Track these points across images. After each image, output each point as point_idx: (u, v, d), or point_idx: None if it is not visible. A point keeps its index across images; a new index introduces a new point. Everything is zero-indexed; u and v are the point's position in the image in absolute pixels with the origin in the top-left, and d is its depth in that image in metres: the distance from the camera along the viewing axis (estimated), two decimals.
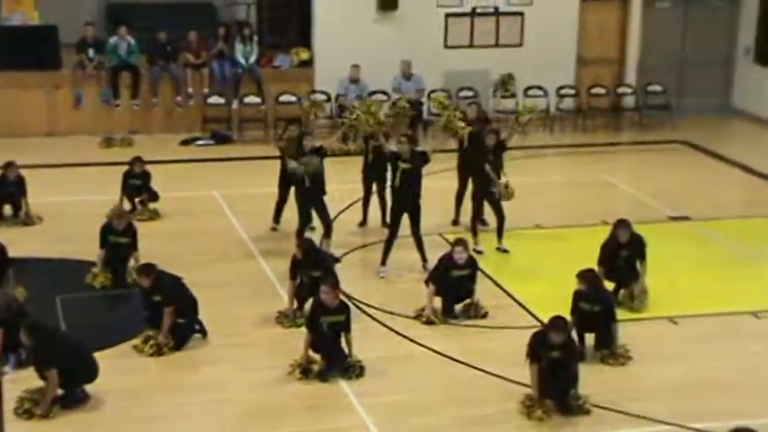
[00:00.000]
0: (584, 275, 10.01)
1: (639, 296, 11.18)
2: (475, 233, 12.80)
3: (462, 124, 12.61)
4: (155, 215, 13.81)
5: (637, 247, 11.21)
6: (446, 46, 18.92)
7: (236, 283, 11.78)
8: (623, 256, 11.18)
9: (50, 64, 17.74)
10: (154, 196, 13.93)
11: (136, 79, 17.94)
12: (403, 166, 11.82)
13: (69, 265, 12.07)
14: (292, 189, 12.76)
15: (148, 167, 14.02)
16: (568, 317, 9.85)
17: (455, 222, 13.63)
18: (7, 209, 13.57)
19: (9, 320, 9.47)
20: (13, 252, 11.27)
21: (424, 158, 11.98)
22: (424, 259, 12.05)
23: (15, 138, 17.13)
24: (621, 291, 11.29)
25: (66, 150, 16.90)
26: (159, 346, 10.03)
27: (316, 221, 12.56)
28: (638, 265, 11.25)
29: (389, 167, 12.06)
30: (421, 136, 17.58)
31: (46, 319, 10.14)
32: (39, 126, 17.69)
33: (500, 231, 12.78)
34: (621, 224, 11.23)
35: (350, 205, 13.89)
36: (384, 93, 18.22)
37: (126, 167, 13.90)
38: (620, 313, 10.54)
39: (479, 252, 12.46)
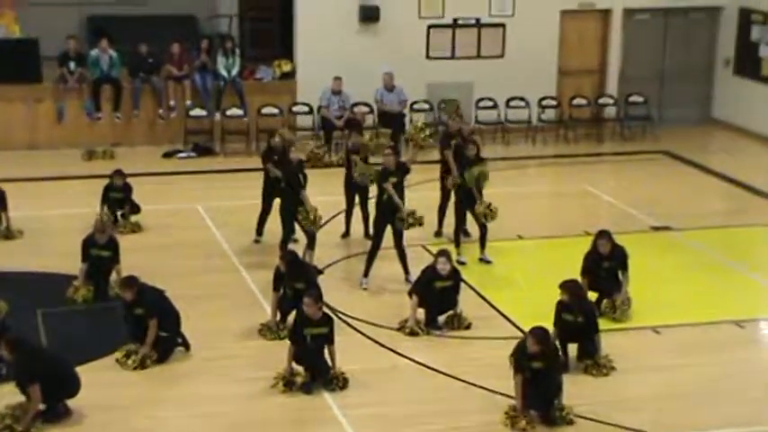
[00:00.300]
0: (567, 286, 10.03)
1: (622, 306, 11.20)
2: (458, 244, 12.81)
3: (425, 135, 12.57)
4: (137, 228, 13.75)
5: (619, 257, 11.24)
6: (428, 57, 18.95)
7: (219, 296, 11.74)
8: (605, 266, 11.21)
9: (32, 77, 17.67)
10: (136, 209, 13.88)
11: (117, 92, 17.89)
12: (392, 179, 11.85)
13: (50, 279, 12.00)
14: (275, 200, 12.80)
15: (130, 180, 13.96)
16: (551, 327, 9.85)
17: (438, 234, 13.63)
18: None
19: None
20: None
21: (405, 169, 12.04)
22: (407, 272, 12.03)
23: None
24: (604, 301, 11.31)
25: (48, 163, 16.83)
26: (142, 359, 9.97)
27: (299, 233, 12.53)
28: (620, 275, 11.28)
29: (377, 184, 12.07)
30: (403, 148, 17.59)
31: (27, 333, 10.08)
32: (20, 139, 17.61)
33: (483, 242, 12.79)
34: (602, 235, 11.25)
35: (333, 217, 13.87)
36: (366, 105, 18.26)
37: (108, 180, 13.84)
38: (603, 323, 10.55)
39: (462, 263, 12.47)
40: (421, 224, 12.04)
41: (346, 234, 13.65)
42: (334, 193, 13.76)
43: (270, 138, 13.56)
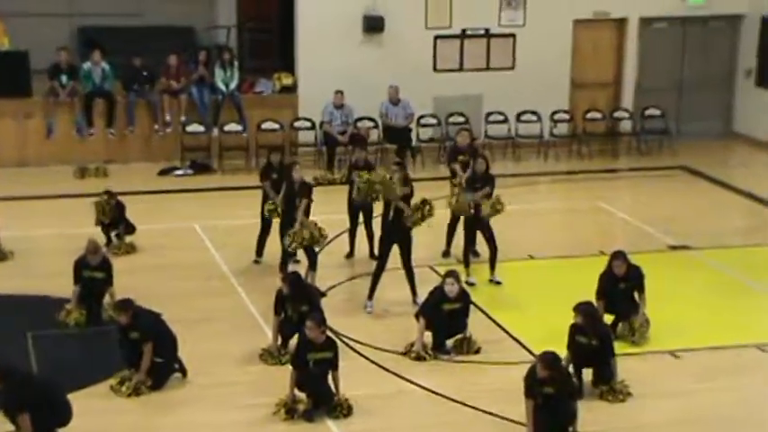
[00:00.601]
0: (581, 308, 10.10)
1: (639, 329, 11.27)
2: (467, 264, 12.89)
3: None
4: (131, 249, 13.84)
5: (635, 278, 11.30)
6: (435, 69, 19.07)
7: (218, 320, 11.82)
8: (621, 288, 11.27)
9: (21, 91, 17.76)
10: (130, 229, 13.97)
11: (111, 106, 18.02)
12: (397, 204, 11.91)
13: (41, 301, 12.08)
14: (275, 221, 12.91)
15: (124, 199, 14.05)
16: (565, 351, 9.92)
17: (446, 254, 13.71)
18: None
19: None
20: None
21: (407, 193, 12.03)
22: (414, 293, 12.11)
23: None
24: (620, 324, 11.38)
25: (39, 181, 16.93)
26: (137, 386, 10.04)
27: (301, 253, 12.62)
28: (637, 297, 11.34)
29: (383, 203, 12.17)
30: (410, 163, 17.69)
31: (17, 358, 10.16)
32: (9, 156, 17.71)
33: (493, 263, 12.87)
34: (617, 256, 11.32)
35: (336, 236, 13.96)
36: (371, 119, 18.36)
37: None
38: (620, 347, 10.61)
39: (471, 284, 12.55)
40: (431, 214, 12.01)
41: (350, 254, 13.74)
42: (337, 212, 13.85)
43: (269, 154, 13.69)
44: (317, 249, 12.33)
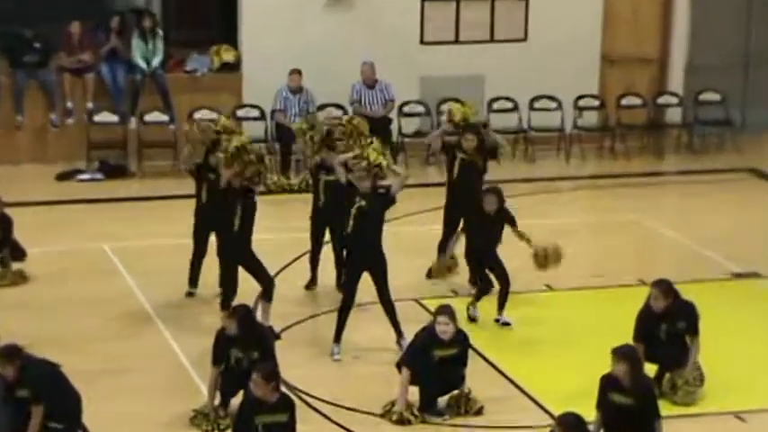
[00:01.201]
0: (622, 353, 10.09)
1: (684, 387, 11.27)
2: (478, 298, 12.93)
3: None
4: (20, 279, 13.80)
5: (684, 317, 11.32)
6: (423, 42, 19.13)
7: (136, 371, 11.79)
8: (664, 329, 11.30)
9: None
10: (18, 253, 13.93)
11: None
12: (360, 203, 11.95)
13: None
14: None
15: (9, 212, 14.03)
16: (594, 412, 9.95)
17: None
18: None
19: None
20: None
21: (386, 198, 12.09)
22: (399, 333, 12.14)
23: None
24: (666, 376, 11.42)
25: None
26: None
27: (250, 281, 12.60)
28: (688, 341, 11.37)
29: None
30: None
31: None
32: None
33: (502, 301, 12.89)
34: (657, 286, 11.34)
35: (293, 261, 13.96)
36: (339, 106, 18.39)
37: None
38: (666, 407, 10.64)
39: (473, 319, 12.58)
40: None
41: (312, 283, 13.74)
42: (294, 229, 13.85)
43: (205, 143, 13.44)
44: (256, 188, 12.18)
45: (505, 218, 12.93)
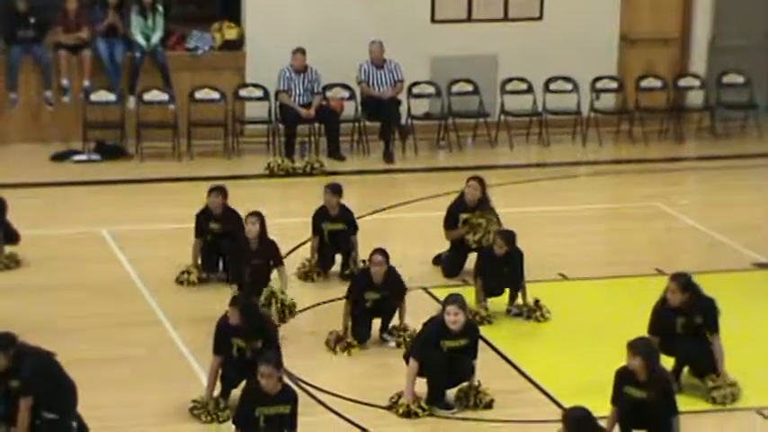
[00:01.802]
0: (638, 346, 10.12)
1: (722, 388, 11.28)
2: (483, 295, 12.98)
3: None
4: (13, 263, 13.84)
5: (701, 312, 11.28)
6: (433, 20, 19.13)
7: (133, 360, 11.82)
8: (681, 323, 11.28)
9: None
10: (11, 237, 13.96)
11: None
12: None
13: None
14: None
15: (2, 194, 14.05)
16: (608, 407, 9.98)
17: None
18: None
19: None
20: None
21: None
22: (401, 324, 12.25)
23: None
24: (685, 370, 11.44)
25: None
26: None
27: None
28: (708, 337, 11.32)
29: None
30: (398, 148, 17.77)
31: None
32: None
33: (514, 293, 12.95)
34: (674, 279, 11.32)
35: (297, 247, 14.00)
36: (345, 87, 18.40)
37: None
38: (685, 401, 10.66)
39: (487, 320, 12.62)
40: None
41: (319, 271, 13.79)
42: (296, 214, 13.87)
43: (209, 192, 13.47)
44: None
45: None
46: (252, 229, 12.49)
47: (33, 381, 10.08)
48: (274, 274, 12.55)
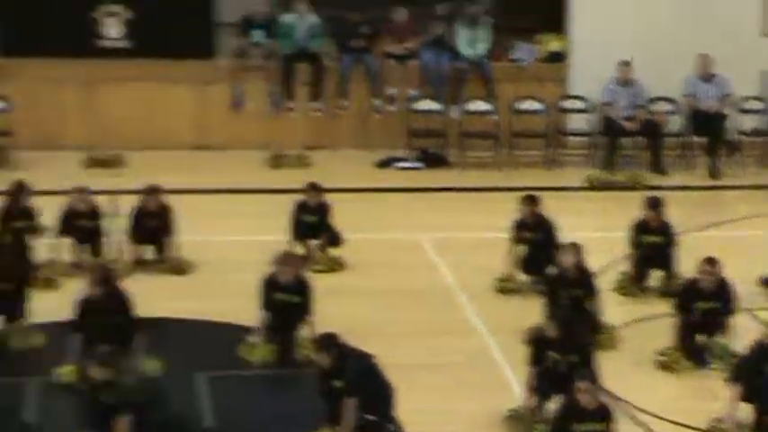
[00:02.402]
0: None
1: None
2: None
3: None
4: (337, 265, 14.05)
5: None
6: (764, 34, 18.62)
7: (449, 367, 11.82)
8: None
9: (202, 51, 18.37)
10: (335, 239, 14.16)
11: (318, 74, 18.41)
12: None
13: (219, 329, 12.41)
14: None
15: (328, 197, 14.27)
16: None
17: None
18: (149, 250, 13.98)
19: (143, 406, 9.77)
20: (147, 309, 11.68)
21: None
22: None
23: (154, 151, 17.90)
24: None
25: (221, 170, 17.50)
26: None
27: None
28: None
29: None
30: (725, 164, 17.35)
31: (185, 403, 10.44)
32: (185, 136, 18.41)
33: None
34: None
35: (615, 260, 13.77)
36: (669, 100, 18.06)
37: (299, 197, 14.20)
38: None
39: None
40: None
41: None
42: (615, 228, 13.62)
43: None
44: None
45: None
46: (567, 259, 12.30)
47: (358, 382, 10.19)
48: None
